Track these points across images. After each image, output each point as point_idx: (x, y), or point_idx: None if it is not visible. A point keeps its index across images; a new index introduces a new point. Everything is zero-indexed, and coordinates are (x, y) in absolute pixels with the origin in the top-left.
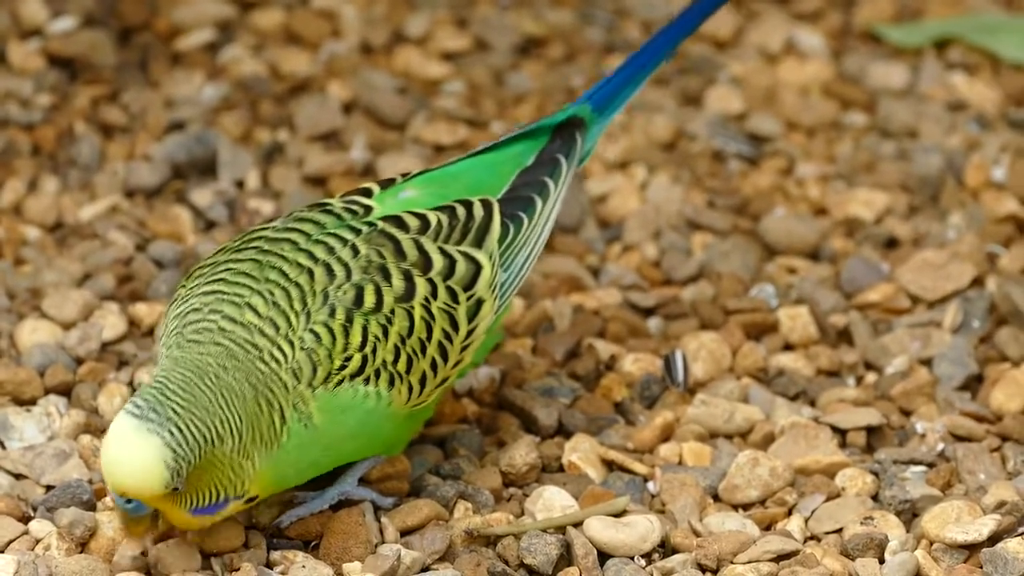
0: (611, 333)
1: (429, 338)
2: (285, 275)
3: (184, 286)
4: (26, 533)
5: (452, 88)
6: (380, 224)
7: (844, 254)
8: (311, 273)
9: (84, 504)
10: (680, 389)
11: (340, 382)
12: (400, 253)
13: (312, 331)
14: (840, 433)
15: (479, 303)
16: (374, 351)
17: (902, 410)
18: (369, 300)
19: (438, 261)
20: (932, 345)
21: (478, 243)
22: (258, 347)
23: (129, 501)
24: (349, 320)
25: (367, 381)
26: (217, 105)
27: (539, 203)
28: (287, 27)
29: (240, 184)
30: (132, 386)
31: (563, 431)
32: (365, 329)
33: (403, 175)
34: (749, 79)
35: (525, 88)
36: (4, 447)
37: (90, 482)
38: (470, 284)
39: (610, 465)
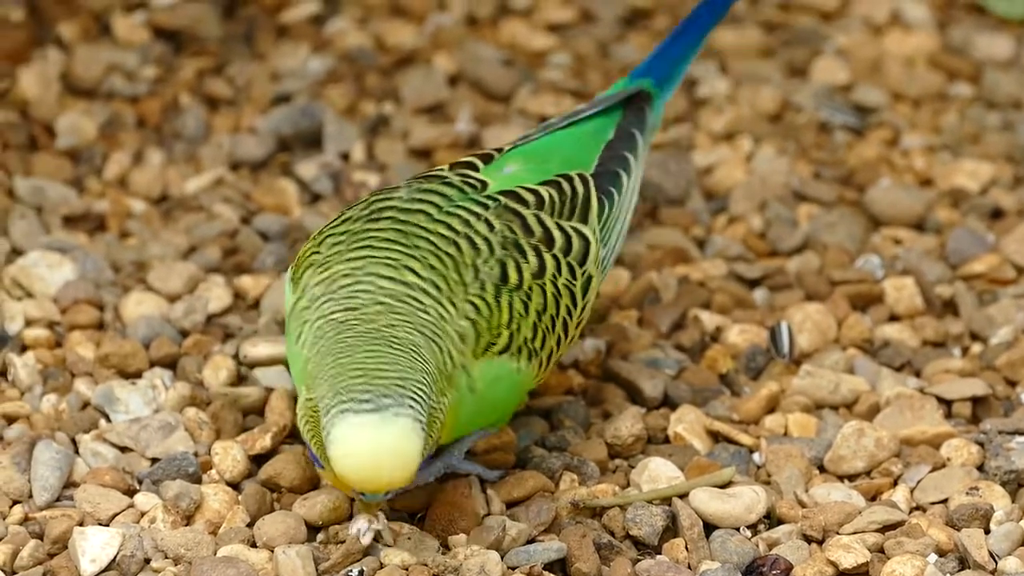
0: (716, 304)
1: (557, 314)
2: (434, 244)
3: (318, 252)
4: (131, 506)
5: (557, 60)
6: (503, 199)
7: (949, 225)
8: (457, 245)
9: (189, 477)
10: (785, 360)
11: (495, 355)
12: (527, 229)
13: (471, 302)
14: (945, 404)
15: (589, 279)
16: (518, 328)
17: (1007, 380)
18: (513, 276)
19: (558, 237)
20: None
21: (584, 219)
22: (422, 302)
23: (387, 492)
24: (498, 295)
25: (512, 356)
26: (323, 78)
27: (625, 178)
28: (393, 0)
29: (345, 157)
30: (238, 359)
31: (668, 402)
32: (511, 305)
33: (496, 150)
34: (854, 50)
35: (631, 59)
36: (109, 420)
37: (195, 455)
38: (583, 260)
39: (715, 436)
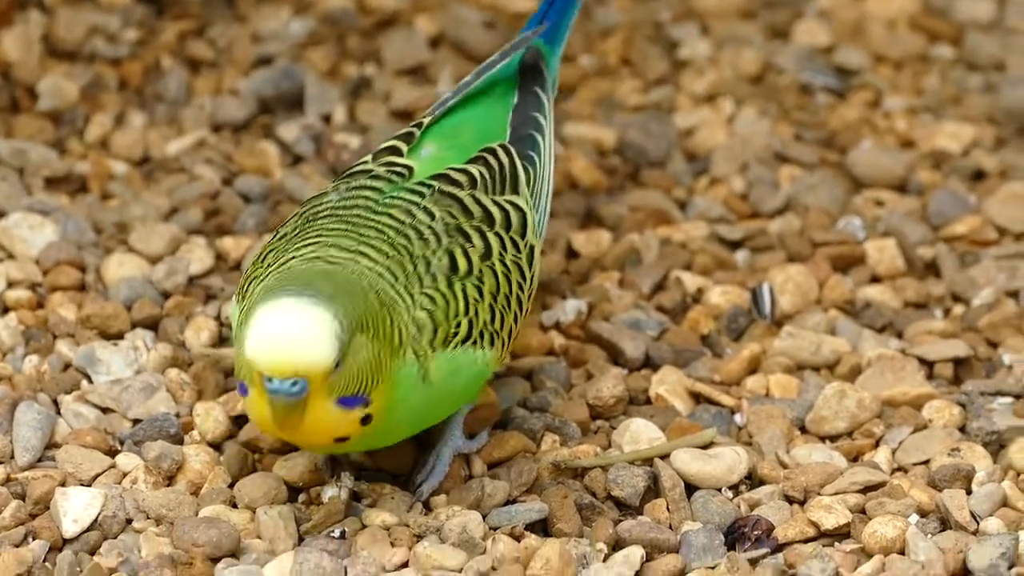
0: (698, 266)
1: (510, 292)
2: (384, 234)
3: (261, 265)
4: (113, 467)
5: None
6: (436, 184)
7: (931, 186)
8: (407, 236)
9: (171, 438)
10: (767, 321)
11: (455, 346)
12: (467, 211)
13: (427, 295)
14: (927, 365)
15: (532, 249)
16: (476, 314)
17: (989, 342)
18: (462, 264)
19: (497, 214)
20: (1019, 277)
21: (515, 190)
22: (381, 275)
23: (295, 383)
24: (451, 286)
25: (474, 344)
26: (304, 40)
27: (540, 140)
28: None
29: (327, 118)
30: (220, 320)
31: (650, 363)
32: (466, 293)
33: (416, 125)
34: (836, 12)
35: (612, 22)
36: (91, 381)
37: (177, 416)
38: (523, 232)
39: (697, 397)
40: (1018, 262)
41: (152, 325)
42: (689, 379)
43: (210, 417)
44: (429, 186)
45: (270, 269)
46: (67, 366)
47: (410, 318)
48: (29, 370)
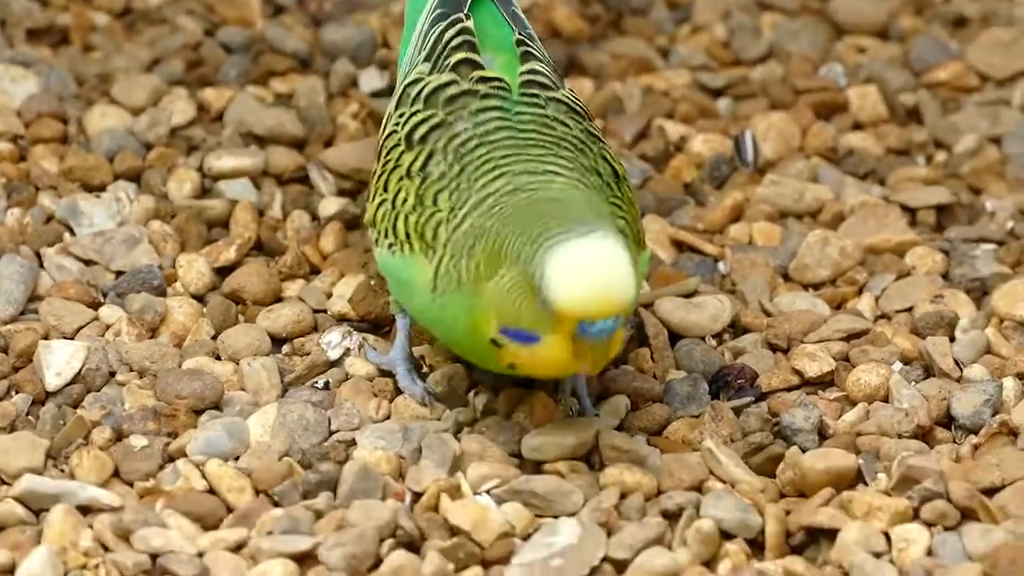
0: (680, 114)
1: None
2: (551, 151)
3: (434, 208)
4: (96, 319)
5: None
6: (540, 93)
7: (913, 32)
8: (568, 149)
9: (154, 290)
10: (750, 169)
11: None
12: (578, 112)
13: (613, 203)
14: (910, 212)
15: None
16: (637, 216)
17: (972, 188)
18: (618, 167)
19: (581, 108)
20: (1001, 123)
21: (562, 81)
22: (588, 192)
23: (615, 320)
24: (621, 189)
25: (641, 247)
26: None
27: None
28: None
29: None
30: (202, 171)
31: None
32: (630, 196)
33: (466, 43)
34: None
35: None
36: (74, 233)
37: (160, 267)
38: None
39: (680, 246)
40: (1000, 108)
41: (134, 177)
42: (672, 227)
43: (193, 269)
44: (535, 95)
45: (464, 211)
46: (49, 218)
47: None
48: (11, 223)
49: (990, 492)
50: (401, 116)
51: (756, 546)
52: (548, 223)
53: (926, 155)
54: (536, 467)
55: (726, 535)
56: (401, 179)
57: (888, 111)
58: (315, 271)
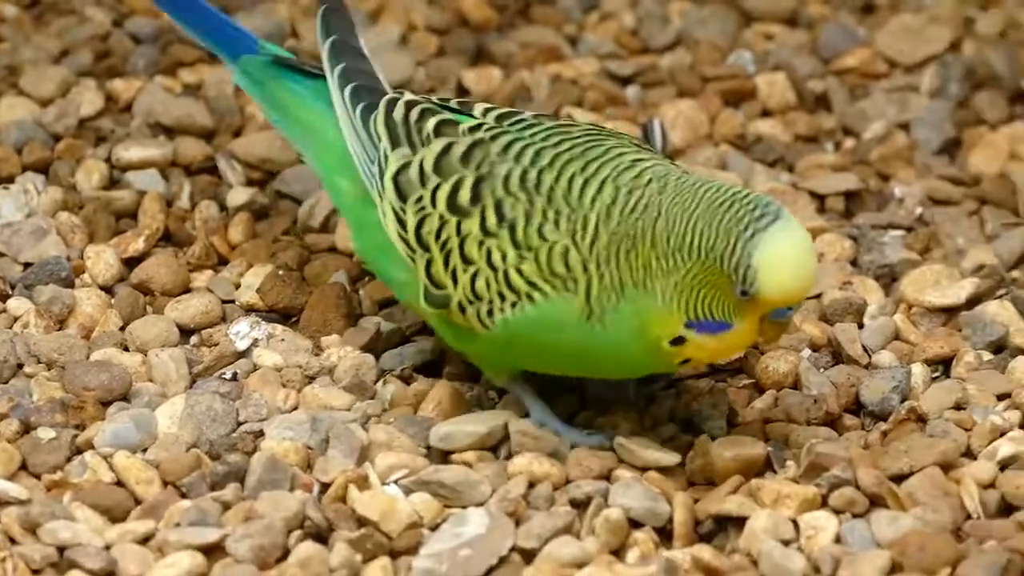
0: (589, 102)
1: None
2: (607, 155)
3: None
4: (4, 311)
5: None
6: (527, 117)
7: (821, 19)
8: (603, 136)
9: (62, 281)
10: None
11: None
12: (566, 126)
13: None
14: (818, 198)
15: None
16: None
17: (880, 175)
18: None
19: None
20: (910, 109)
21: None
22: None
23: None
24: None
25: None
26: None
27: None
28: None
29: None
30: (110, 162)
31: None
32: None
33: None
34: None
35: None
36: None
37: (68, 259)
38: None
39: None
40: (908, 94)
41: (43, 168)
42: None
43: (101, 260)
44: (518, 114)
45: (591, 227)
46: None
47: None
48: None
49: (898, 479)
50: (419, 200)
51: (664, 535)
52: (722, 212)
53: (834, 142)
54: (445, 457)
55: (635, 524)
56: (481, 243)
57: (796, 98)
58: (224, 261)
